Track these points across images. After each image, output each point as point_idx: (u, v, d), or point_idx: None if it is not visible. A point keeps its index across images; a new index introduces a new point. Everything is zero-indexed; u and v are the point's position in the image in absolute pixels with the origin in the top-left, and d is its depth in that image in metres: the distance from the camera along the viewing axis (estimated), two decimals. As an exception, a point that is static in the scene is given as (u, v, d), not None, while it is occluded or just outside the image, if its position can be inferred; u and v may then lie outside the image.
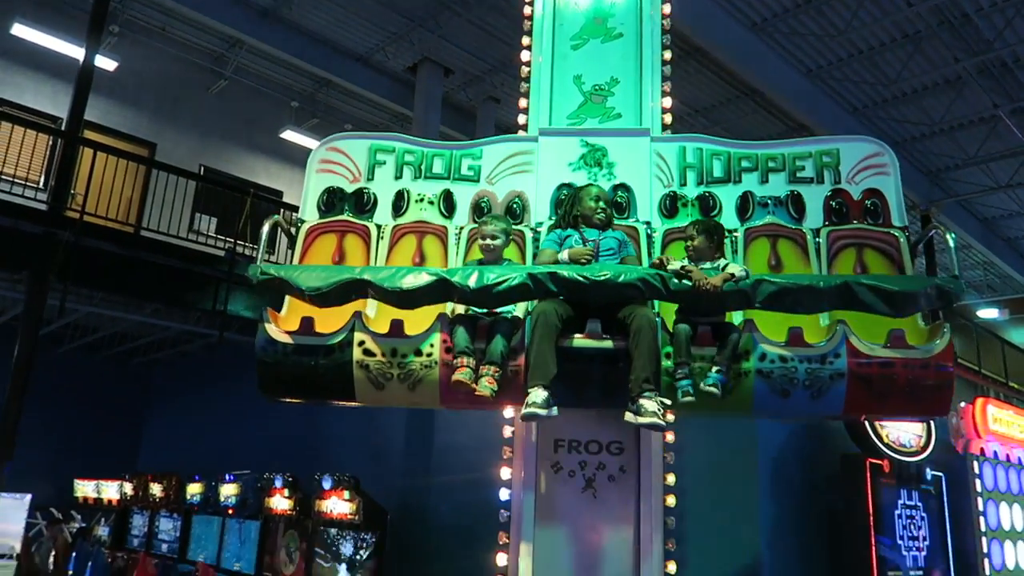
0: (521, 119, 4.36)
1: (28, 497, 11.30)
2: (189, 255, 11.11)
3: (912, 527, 6.80)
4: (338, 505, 8.13)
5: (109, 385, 15.74)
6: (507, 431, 3.96)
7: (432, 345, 3.33)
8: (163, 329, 13.40)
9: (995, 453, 7.53)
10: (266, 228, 3.65)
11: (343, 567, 8.16)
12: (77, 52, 11.12)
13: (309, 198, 4.03)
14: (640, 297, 3.24)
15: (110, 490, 12.61)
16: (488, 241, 3.57)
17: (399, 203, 4.03)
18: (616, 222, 3.82)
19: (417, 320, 3.41)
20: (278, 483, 8.96)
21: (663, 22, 4.43)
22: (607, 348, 3.29)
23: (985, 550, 7.05)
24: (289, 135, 14.85)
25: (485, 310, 3.46)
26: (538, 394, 3.10)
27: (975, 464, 7.34)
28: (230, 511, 9.90)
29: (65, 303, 9.85)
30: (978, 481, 7.29)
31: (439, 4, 12.16)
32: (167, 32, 13.67)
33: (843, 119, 13.56)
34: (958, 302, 3.75)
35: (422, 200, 4.04)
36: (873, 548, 6.39)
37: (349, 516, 8.04)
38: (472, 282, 3.18)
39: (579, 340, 3.30)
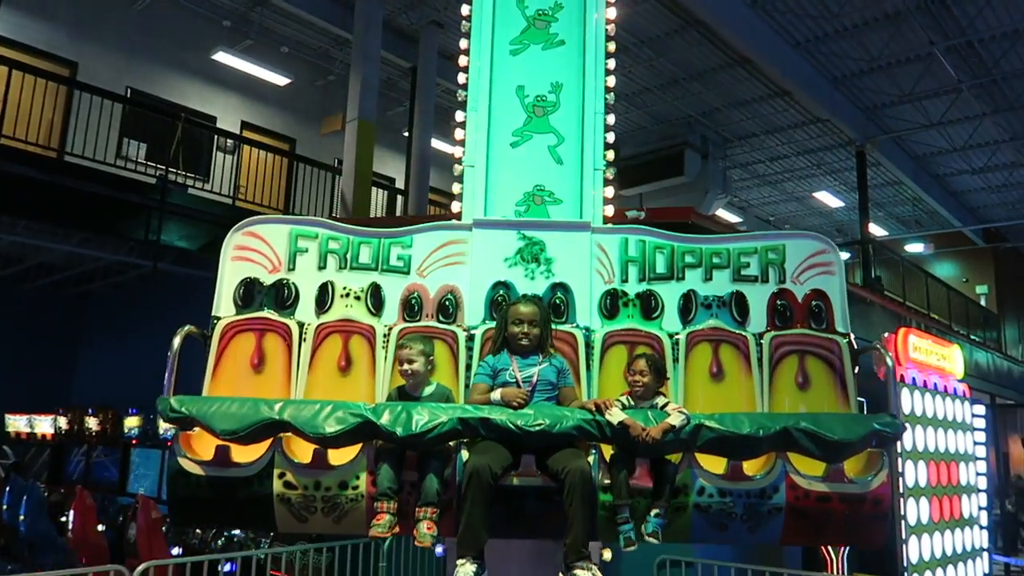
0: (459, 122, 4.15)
1: (-45, 432, 11.04)
2: (118, 182, 10.68)
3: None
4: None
5: (39, 317, 15.24)
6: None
7: (359, 478, 3.20)
8: (94, 260, 12.93)
9: (913, 379, 7.95)
10: (176, 342, 3.42)
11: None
12: (-15, -39, 10.35)
13: (224, 290, 3.74)
14: (575, 439, 3.23)
15: (43, 424, 12.38)
16: (406, 366, 3.38)
17: (323, 297, 3.79)
18: (553, 327, 3.67)
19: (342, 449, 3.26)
20: (218, 415, 8.87)
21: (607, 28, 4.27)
22: (541, 486, 3.23)
23: (900, 469, 7.50)
24: (222, 56, 14.08)
25: None
26: (467, 570, 3.01)
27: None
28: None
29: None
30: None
31: (379, -80, 11.64)
32: (85, -59, 12.79)
33: (786, 53, 13.63)
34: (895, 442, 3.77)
35: (348, 295, 3.81)
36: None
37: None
38: (400, 429, 3.07)
39: (514, 480, 3.23)
